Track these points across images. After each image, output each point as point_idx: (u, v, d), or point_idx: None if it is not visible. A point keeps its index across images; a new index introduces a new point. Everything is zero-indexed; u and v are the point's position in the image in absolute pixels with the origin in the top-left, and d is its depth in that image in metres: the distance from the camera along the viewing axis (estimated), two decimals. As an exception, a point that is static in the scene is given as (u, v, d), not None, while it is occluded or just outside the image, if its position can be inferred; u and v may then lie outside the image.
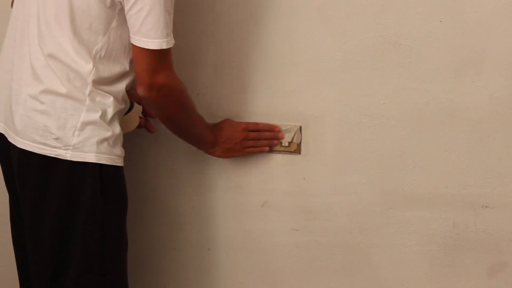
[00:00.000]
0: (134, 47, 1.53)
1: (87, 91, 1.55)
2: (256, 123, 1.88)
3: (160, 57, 1.54)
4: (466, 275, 1.91)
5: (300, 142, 1.90)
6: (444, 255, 1.90)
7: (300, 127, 1.89)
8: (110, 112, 1.58)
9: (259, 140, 1.88)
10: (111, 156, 1.59)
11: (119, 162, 1.62)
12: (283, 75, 1.85)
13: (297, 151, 1.90)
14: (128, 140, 1.99)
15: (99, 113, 1.56)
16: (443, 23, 1.74)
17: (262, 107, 1.89)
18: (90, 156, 1.56)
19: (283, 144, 1.90)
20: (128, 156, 2.01)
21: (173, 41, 1.54)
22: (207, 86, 1.91)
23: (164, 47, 1.52)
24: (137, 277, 2.11)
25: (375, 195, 1.90)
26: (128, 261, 2.09)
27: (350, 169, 1.90)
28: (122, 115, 1.67)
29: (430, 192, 1.87)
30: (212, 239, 2.03)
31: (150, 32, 1.51)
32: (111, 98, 1.58)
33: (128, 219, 2.06)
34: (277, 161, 1.92)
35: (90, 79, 1.55)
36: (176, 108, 1.67)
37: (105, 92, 1.57)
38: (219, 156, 1.88)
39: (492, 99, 1.77)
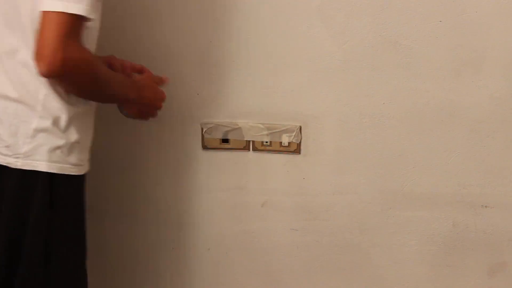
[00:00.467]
0: (41, 13, 1.34)
1: (41, 96, 1.45)
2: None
3: (70, 25, 1.34)
4: (466, 275, 1.91)
5: (300, 142, 1.90)
6: (444, 255, 1.91)
7: (300, 127, 1.89)
8: (64, 118, 1.47)
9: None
10: (64, 165, 1.49)
11: (74, 171, 1.51)
12: (283, 75, 1.85)
13: (297, 151, 1.90)
14: (128, 140, 1.99)
15: (51, 120, 1.46)
16: (443, 23, 1.75)
17: (262, 107, 1.89)
18: (40, 165, 1.46)
19: (283, 144, 1.90)
20: (128, 156, 2.01)
21: (86, 12, 1.34)
22: (207, 86, 1.91)
23: (68, 10, 1.32)
24: (137, 277, 2.11)
25: (375, 195, 1.90)
26: (128, 261, 2.10)
27: (350, 169, 1.90)
28: (88, 118, 1.56)
29: (430, 192, 1.87)
30: (212, 239, 2.03)
31: None
32: (66, 104, 1.47)
33: (128, 219, 2.07)
34: (278, 161, 1.92)
35: (44, 82, 1.43)
36: (88, 78, 1.44)
37: (60, 95, 1.46)
38: (131, 115, 1.71)
39: (492, 99, 1.78)
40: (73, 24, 1.34)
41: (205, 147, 1.95)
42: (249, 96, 1.89)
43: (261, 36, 1.84)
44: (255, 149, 1.93)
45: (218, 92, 1.90)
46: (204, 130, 1.94)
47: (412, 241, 1.91)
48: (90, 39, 1.48)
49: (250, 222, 1.99)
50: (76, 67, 1.37)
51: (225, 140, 1.94)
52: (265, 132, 1.90)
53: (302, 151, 1.90)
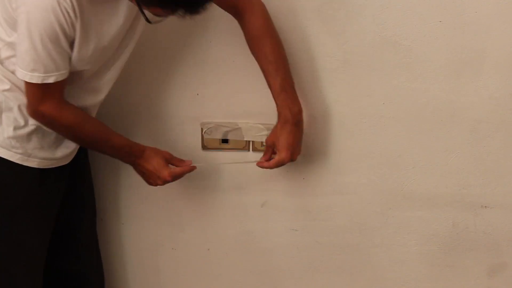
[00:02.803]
0: None
1: None
2: (183, 170, 1.81)
3: (38, 88, 1.55)
4: (465, 275, 1.91)
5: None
6: (443, 255, 1.90)
7: (300, 127, 1.88)
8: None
9: None
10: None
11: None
12: (283, 75, 1.85)
13: (297, 151, 1.90)
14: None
15: None
16: (443, 23, 1.74)
17: (262, 107, 1.89)
18: None
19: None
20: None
21: (40, 79, 1.52)
22: (207, 86, 1.91)
23: (27, 80, 1.53)
24: (137, 277, 2.11)
25: (375, 195, 1.90)
26: (128, 261, 2.10)
27: (350, 169, 1.90)
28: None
29: (430, 192, 1.87)
30: (212, 239, 2.03)
31: (18, 60, 1.53)
32: None
33: (128, 219, 2.07)
34: (277, 161, 1.92)
35: None
36: (63, 132, 1.68)
37: None
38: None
39: (492, 99, 1.77)
40: (41, 88, 1.55)
41: (205, 147, 1.95)
42: (249, 96, 1.89)
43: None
44: (255, 149, 1.93)
45: (218, 92, 1.90)
46: (204, 130, 1.94)
47: (412, 241, 1.91)
48: (84, 73, 1.63)
49: (250, 222, 1.99)
50: (49, 123, 1.63)
51: (225, 141, 1.94)
52: (265, 132, 1.90)
53: (302, 151, 1.90)
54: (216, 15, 1.84)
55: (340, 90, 1.85)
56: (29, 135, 1.65)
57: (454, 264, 1.91)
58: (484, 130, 1.81)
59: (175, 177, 1.79)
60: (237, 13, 1.73)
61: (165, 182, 1.78)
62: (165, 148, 1.96)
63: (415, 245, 1.91)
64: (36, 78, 1.52)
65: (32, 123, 1.65)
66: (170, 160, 1.80)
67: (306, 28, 1.81)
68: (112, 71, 1.70)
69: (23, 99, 1.62)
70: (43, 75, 1.52)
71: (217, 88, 1.91)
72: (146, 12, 1.44)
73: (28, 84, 1.55)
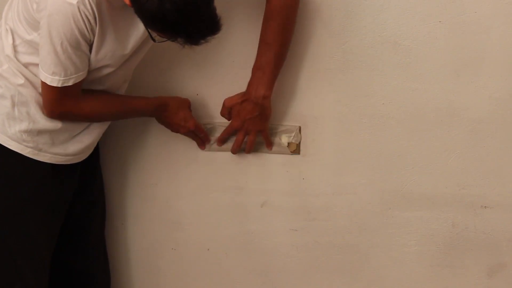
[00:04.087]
0: None
1: None
2: (201, 130, 1.90)
3: (57, 91, 1.59)
4: (465, 275, 1.91)
5: (300, 142, 1.90)
6: (443, 255, 1.90)
7: (300, 127, 1.89)
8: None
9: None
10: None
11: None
12: (283, 75, 1.85)
13: (297, 151, 1.90)
14: (128, 141, 1.99)
15: None
16: (442, 23, 1.74)
17: (262, 107, 1.89)
18: None
19: (282, 145, 1.89)
20: (128, 156, 2.02)
21: (60, 82, 1.57)
22: (207, 86, 1.91)
23: (48, 82, 1.58)
24: (137, 277, 2.11)
25: (374, 195, 1.90)
26: (128, 261, 2.10)
27: (349, 169, 1.90)
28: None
29: (430, 192, 1.87)
30: (212, 239, 2.03)
31: (41, 62, 1.57)
32: None
33: (128, 219, 2.07)
34: (277, 161, 1.92)
35: None
36: (89, 120, 1.74)
37: None
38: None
39: (492, 99, 1.77)
40: (59, 91, 1.59)
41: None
42: (249, 96, 1.89)
43: (261, 36, 1.84)
44: (255, 149, 1.93)
45: (218, 92, 1.90)
46: (204, 130, 1.94)
47: (412, 241, 1.91)
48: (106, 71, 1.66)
49: (250, 222, 1.99)
50: (67, 117, 1.68)
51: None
52: (265, 132, 1.90)
53: (301, 151, 1.90)
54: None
55: (340, 90, 1.85)
56: (41, 130, 1.67)
57: (454, 264, 1.91)
58: (484, 130, 1.80)
59: (198, 129, 1.87)
60: None
61: (188, 130, 1.86)
62: (165, 148, 1.97)
63: (415, 245, 1.91)
64: (56, 81, 1.57)
65: (45, 120, 1.67)
66: (190, 107, 1.88)
67: (306, 28, 1.81)
68: (125, 70, 1.74)
69: (36, 96, 1.65)
70: (63, 78, 1.57)
71: (217, 88, 1.91)
72: (151, 31, 1.48)
73: (47, 86, 1.59)
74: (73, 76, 1.58)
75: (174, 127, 1.86)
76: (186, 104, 1.86)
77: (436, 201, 1.87)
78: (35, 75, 1.63)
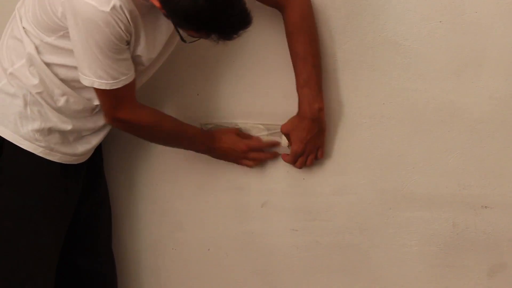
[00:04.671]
0: None
1: None
2: (259, 142, 1.87)
3: (110, 95, 1.59)
4: (466, 275, 1.91)
5: (300, 142, 1.90)
6: (444, 255, 1.90)
7: (300, 127, 1.88)
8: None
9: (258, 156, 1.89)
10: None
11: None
12: (283, 75, 1.85)
13: (297, 151, 1.90)
14: (128, 141, 1.99)
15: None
16: (443, 23, 1.74)
17: (262, 107, 1.89)
18: None
19: (282, 145, 1.89)
20: (128, 156, 2.02)
21: (109, 85, 1.56)
22: (207, 86, 1.91)
23: (96, 86, 1.56)
24: (137, 277, 2.11)
25: (375, 195, 1.90)
26: (128, 261, 2.10)
27: (350, 169, 1.90)
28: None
29: (430, 192, 1.87)
30: (212, 239, 2.03)
31: (80, 67, 1.56)
32: None
33: (128, 219, 2.07)
34: (277, 161, 1.92)
35: None
36: (142, 134, 1.77)
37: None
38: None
39: (492, 100, 1.77)
40: (112, 95, 1.59)
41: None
42: (249, 96, 1.89)
43: (261, 36, 1.84)
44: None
45: (218, 92, 1.90)
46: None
47: (412, 241, 1.91)
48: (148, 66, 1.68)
49: (250, 222, 1.99)
50: (129, 127, 1.71)
51: (225, 140, 1.94)
52: (265, 132, 1.90)
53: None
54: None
55: (340, 90, 1.85)
56: (52, 129, 1.68)
57: (454, 264, 1.91)
58: (484, 130, 1.80)
59: (252, 147, 1.84)
60: (278, 8, 1.77)
61: (245, 153, 1.84)
62: (165, 148, 1.97)
63: (415, 245, 1.91)
64: (104, 84, 1.56)
65: (56, 119, 1.67)
66: (239, 133, 1.86)
67: (306, 28, 1.81)
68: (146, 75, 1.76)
69: (47, 97, 1.64)
70: (111, 81, 1.56)
71: (217, 88, 1.91)
72: (181, 31, 1.48)
73: (99, 92, 1.59)
74: (121, 78, 1.57)
75: (231, 155, 1.85)
76: (231, 131, 1.85)
77: (437, 201, 1.87)
78: (56, 75, 1.63)
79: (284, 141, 1.88)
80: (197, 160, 1.96)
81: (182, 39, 1.50)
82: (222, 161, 1.93)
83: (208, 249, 2.04)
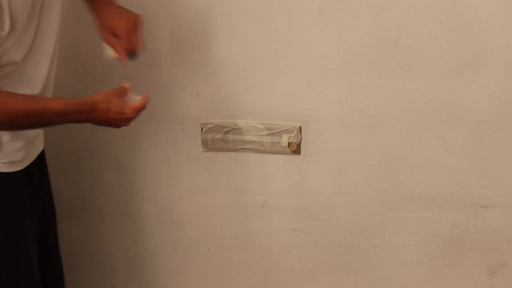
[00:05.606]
0: None
1: None
2: (143, 104, 1.62)
3: None
4: (466, 276, 1.91)
5: (300, 142, 1.90)
6: (444, 255, 1.90)
7: (300, 127, 1.89)
8: None
9: None
10: None
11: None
12: (283, 75, 1.85)
13: (297, 151, 1.90)
14: (128, 141, 1.99)
15: None
16: (443, 23, 1.74)
17: (262, 107, 1.89)
18: None
19: (283, 145, 1.90)
20: (128, 156, 2.02)
21: None
22: (207, 86, 1.91)
23: None
24: (137, 277, 2.11)
25: (375, 195, 1.90)
26: (128, 261, 2.10)
27: (350, 169, 1.90)
28: None
29: (430, 192, 1.87)
30: (212, 239, 2.03)
31: None
32: None
33: (128, 219, 2.07)
34: (277, 161, 1.93)
35: None
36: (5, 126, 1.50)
37: None
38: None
39: (492, 100, 1.77)
40: None
41: (205, 147, 1.95)
42: (249, 96, 1.89)
43: (261, 36, 1.84)
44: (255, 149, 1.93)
45: (218, 92, 1.90)
46: (204, 130, 1.94)
47: (412, 241, 1.91)
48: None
49: (250, 222, 1.99)
50: None
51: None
52: (265, 132, 1.90)
53: (302, 151, 1.90)
54: (216, 15, 1.84)
55: (340, 90, 1.85)
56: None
57: (454, 264, 1.91)
58: (484, 130, 1.80)
59: (138, 112, 1.61)
60: None
61: (131, 120, 1.61)
62: (165, 148, 1.97)
63: (415, 245, 1.91)
64: None
65: None
66: (120, 94, 1.61)
67: (306, 28, 1.81)
68: (41, 63, 1.56)
69: None
70: None
71: (217, 88, 1.91)
72: None
73: None
74: None
75: (115, 123, 1.60)
76: (115, 96, 1.59)
77: (437, 201, 1.87)
78: None
79: (284, 141, 1.89)
80: (197, 160, 1.96)
81: None
82: (222, 161, 1.94)
83: (208, 249, 2.04)
